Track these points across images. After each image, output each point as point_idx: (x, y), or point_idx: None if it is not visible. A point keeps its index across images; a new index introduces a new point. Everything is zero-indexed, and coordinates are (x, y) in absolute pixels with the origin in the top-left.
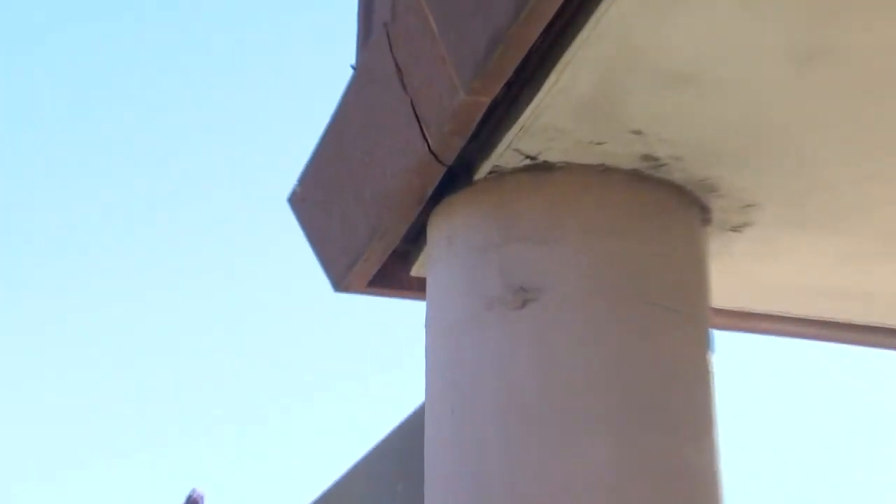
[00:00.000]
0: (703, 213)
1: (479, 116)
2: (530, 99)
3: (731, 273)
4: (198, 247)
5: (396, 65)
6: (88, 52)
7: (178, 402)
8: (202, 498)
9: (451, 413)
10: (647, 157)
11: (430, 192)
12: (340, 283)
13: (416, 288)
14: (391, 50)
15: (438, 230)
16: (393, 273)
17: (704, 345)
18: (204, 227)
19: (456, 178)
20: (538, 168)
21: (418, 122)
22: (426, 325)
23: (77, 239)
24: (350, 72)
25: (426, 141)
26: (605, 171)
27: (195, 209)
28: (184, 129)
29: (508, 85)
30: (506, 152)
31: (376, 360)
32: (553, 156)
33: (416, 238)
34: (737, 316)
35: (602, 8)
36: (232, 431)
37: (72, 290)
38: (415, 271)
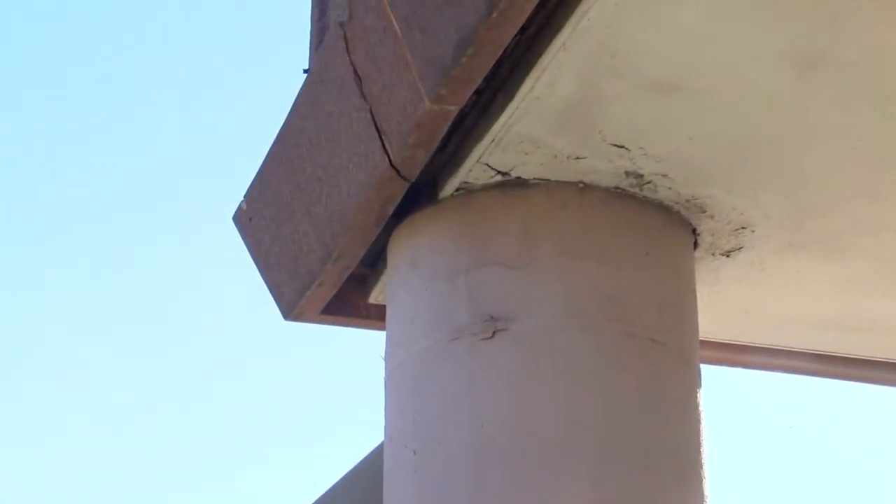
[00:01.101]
0: (692, 235)
1: (445, 127)
2: (503, 108)
3: (721, 302)
4: (129, 265)
5: (354, 69)
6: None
7: (115, 437)
8: None
9: (412, 454)
10: (630, 174)
11: (390, 210)
12: (291, 310)
13: (374, 316)
14: (348, 53)
15: (400, 253)
16: (349, 300)
17: (692, 379)
18: (136, 246)
19: (420, 195)
20: (511, 185)
21: (378, 132)
22: (385, 357)
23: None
24: (302, 76)
25: (387, 154)
26: (584, 189)
27: (121, 228)
28: (118, 135)
29: (478, 92)
30: (475, 167)
31: (330, 396)
32: (527, 171)
33: (374, 261)
34: (726, 348)
35: (582, 9)
36: (181, 467)
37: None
38: (373, 298)
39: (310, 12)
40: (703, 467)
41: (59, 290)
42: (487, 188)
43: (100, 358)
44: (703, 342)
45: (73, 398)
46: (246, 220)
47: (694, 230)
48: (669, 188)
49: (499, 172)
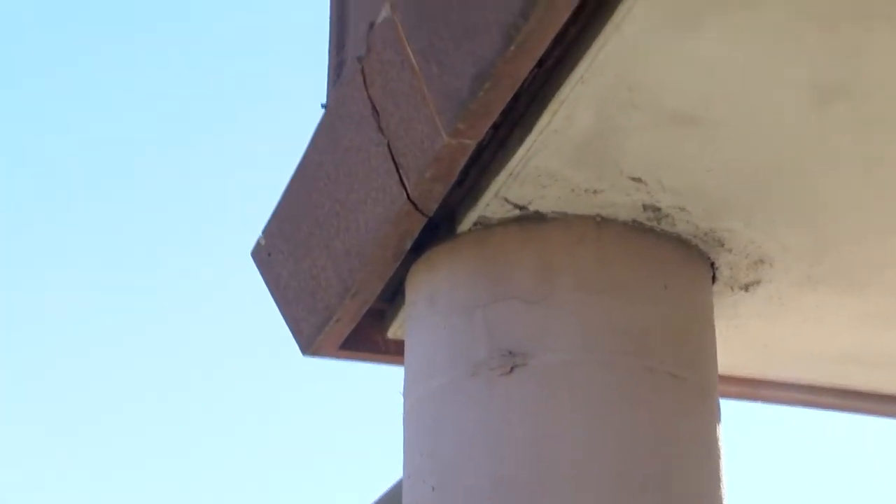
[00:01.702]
0: (710, 269)
1: (463, 161)
2: (520, 141)
3: (740, 336)
4: (150, 304)
5: (372, 104)
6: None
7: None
8: None
9: (431, 490)
10: (648, 207)
11: (408, 244)
12: (309, 345)
13: (392, 351)
14: (366, 87)
15: (418, 287)
16: (367, 335)
17: (711, 414)
18: (155, 282)
19: (438, 229)
20: (528, 219)
21: (396, 167)
22: (404, 393)
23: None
24: (320, 111)
25: (405, 188)
26: (602, 223)
27: (137, 264)
28: (137, 167)
29: (496, 126)
30: (493, 201)
31: (348, 432)
32: (545, 205)
33: (393, 296)
34: (746, 383)
35: (600, 41)
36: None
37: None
38: (391, 333)
39: (327, 47)
40: (723, 502)
41: (80, 324)
42: (505, 222)
43: (119, 390)
44: (723, 377)
45: (94, 428)
46: (264, 255)
47: (712, 264)
48: (687, 221)
49: (516, 206)
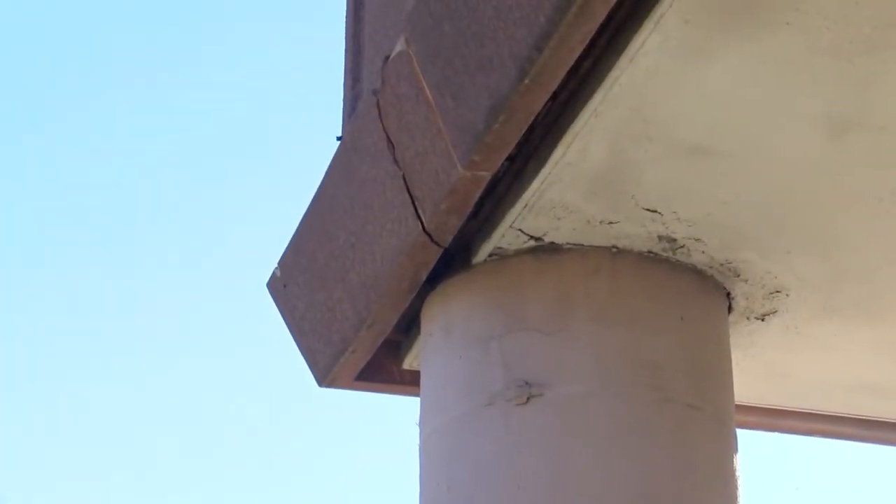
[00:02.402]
0: (726, 299)
1: (478, 193)
2: (535, 173)
3: (756, 366)
4: (163, 335)
5: (387, 136)
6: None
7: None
8: None
9: None
10: (663, 238)
11: (424, 276)
12: (325, 376)
13: (408, 382)
14: (381, 120)
15: (434, 319)
16: (383, 366)
17: (729, 445)
18: (172, 313)
19: (453, 260)
20: (544, 250)
21: (411, 199)
22: (420, 423)
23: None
24: (335, 144)
25: (420, 220)
26: (617, 254)
27: (158, 295)
28: (151, 199)
29: (511, 158)
30: (508, 232)
31: (363, 463)
32: (560, 236)
33: (408, 327)
34: (762, 413)
35: (614, 74)
36: None
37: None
38: (407, 364)
39: (343, 80)
40: None
41: (93, 352)
42: (520, 253)
43: (132, 427)
44: (739, 406)
45: (110, 461)
46: (280, 286)
47: (728, 294)
48: (703, 252)
49: (531, 238)
